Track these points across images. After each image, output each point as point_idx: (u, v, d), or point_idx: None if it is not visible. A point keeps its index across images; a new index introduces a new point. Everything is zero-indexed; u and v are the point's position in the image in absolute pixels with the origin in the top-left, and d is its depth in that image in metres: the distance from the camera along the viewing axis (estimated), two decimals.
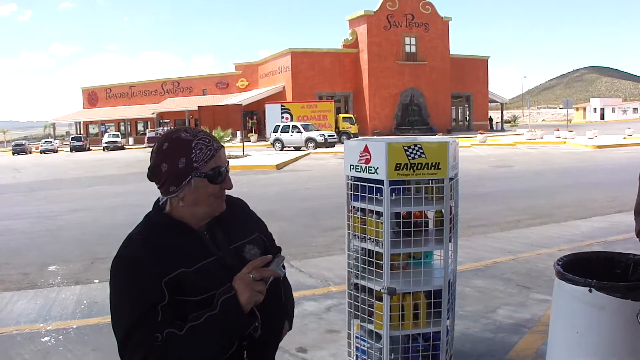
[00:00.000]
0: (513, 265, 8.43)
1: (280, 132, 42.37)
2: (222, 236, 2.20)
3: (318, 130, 43.82)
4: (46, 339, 6.30)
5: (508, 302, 6.85)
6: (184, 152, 2.06)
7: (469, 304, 6.76)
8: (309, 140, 41.57)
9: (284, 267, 2.20)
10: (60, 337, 6.32)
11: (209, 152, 2.08)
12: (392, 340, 4.50)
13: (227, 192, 2.22)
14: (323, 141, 41.14)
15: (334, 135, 42.97)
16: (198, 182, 2.07)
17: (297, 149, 41.04)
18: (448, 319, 4.71)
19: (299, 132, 42.23)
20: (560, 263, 3.66)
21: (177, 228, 2.11)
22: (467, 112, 68.23)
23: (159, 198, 2.21)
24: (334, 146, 41.21)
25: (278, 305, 2.30)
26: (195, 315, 1.91)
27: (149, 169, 2.14)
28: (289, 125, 43.51)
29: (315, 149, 40.24)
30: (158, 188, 2.16)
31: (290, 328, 2.46)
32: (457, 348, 5.33)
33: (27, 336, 6.39)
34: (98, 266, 9.61)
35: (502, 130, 69.12)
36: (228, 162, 2.20)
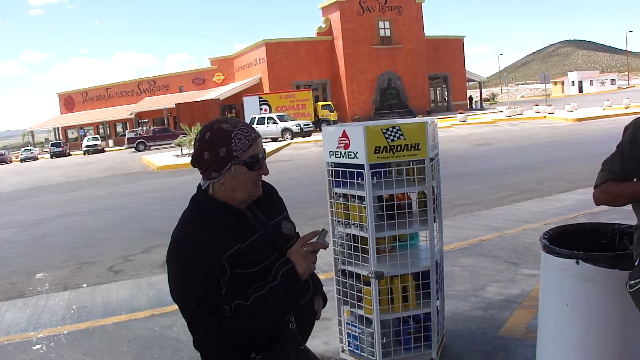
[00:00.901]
0: (499, 242, 8.46)
1: (257, 124, 42.16)
2: (261, 215, 2.41)
3: (294, 120, 43.71)
4: (37, 347, 6.25)
5: (497, 279, 6.87)
6: (225, 142, 2.24)
7: (458, 283, 6.78)
8: (285, 130, 41.47)
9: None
10: (52, 343, 6.28)
11: (247, 142, 2.26)
12: (383, 324, 4.50)
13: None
14: (299, 130, 41.09)
15: (309, 124, 42.83)
16: (237, 169, 2.26)
17: (274, 140, 40.94)
18: (438, 299, 4.72)
19: (275, 123, 42.12)
20: (546, 237, 3.67)
21: (224, 209, 2.29)
22: (446, 93, 68.35)
23: (200, 183, 2.38)
24: (310, 135, 41.19)
25: (315, 276, 2.57)
26: (257, 287, 2.14)
27: (192, 156, 2.34)
28: (264, 117, 43.37)
29: (292, 139, 40.16)
30: (201, 173, 2.33)
31: (325, 302, 2.72)
32: (448, 328, 5.35)
33: (18, 345, 6.34)
34: (85, 270, 9.56)
35: (482, 108, 69.30)
36: (264, 150, 2.37)
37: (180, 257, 2.18)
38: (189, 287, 2.13)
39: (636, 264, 2.99)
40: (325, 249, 2.29)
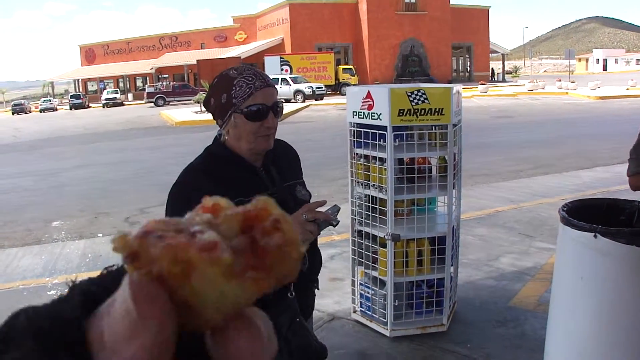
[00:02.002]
0: (515, 214, 8.45)
1: None
2: (276, 174, 2.32)
3: (307, 82, 43.32)
4: (53, 292, 6.35)
5: (511, 250, 6.87)
6: (226, 88, 2.18)
7: (472, 252, 6.79)
8: (297, 92, 40.99)
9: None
10: (66, 290, 6.35)
11: (247, 90, 2.16)
12: (396, 286, 4.53)
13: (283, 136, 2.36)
14: (311, 93, 40.47)
15: (322, 87, 42.19)
16: (237, 119, 2.18)
17: (287, 101, 40.70)
18: (452, 265, 4.73)
19: (288, 84, 41.69)
20: (565, 209, 3.65)
21: (236, 161, 2.23)
22: (468, 63, 67.60)
23: (217, 132, 2.32)
24: (322, 98, 40.54)
25: (318, 252, 2.54)
26: None
27: (203, 101, 2.32)
28: (278, 78, 43.03)
29: (304, 101, 39.82)
30: (214, 119, 2.29)
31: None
32: (460, 295, 5.37)
33: (33, 290, 6.44)
34: (101, 220, 9.65)
35: (504, 81, 68.57)
36: (276, 102, 2.25)
37: (172, 201, 2.16)
38: None
39: None
40: (334, 226, 2.22)
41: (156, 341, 0.34)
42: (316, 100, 39.88)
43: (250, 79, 2.18)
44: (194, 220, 0.41)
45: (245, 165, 2.24)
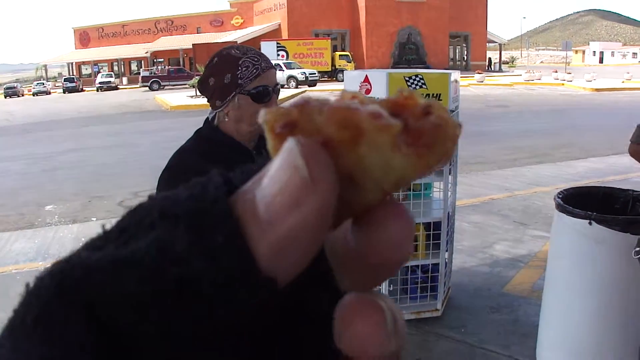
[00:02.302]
0: (510, 202, 8.47)
1: None
2: (267, 158, 2.22)
3: (301, 68, 43.20)
4: None
5: (505, 237, 6.89)
6: (231, 69, 2.12)
7: (466, 238, 6.80)
8: (290, 78, 40.87)
9: None
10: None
11: (255, 71, 2.12)
12: None
13: None
14: (304, 79, 40.38)
15: (315, 74, 41.98)
16: (242, 100, 2.13)
17: (282, 87, 40.60)
18: (447, 251, 4.74)
19: (281, 69, 41.58)
20: (560, 196, 3.66)
21: (228, 144, 2.18)
22: (465, 52, 67.56)
23: (208, 115, 2.27)
24: (315, 85, 40.44)
25: None
26: None
27: (198, 81, 2.23)
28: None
29: (297, 87, 39.68)
30: (207, 101, 2.22)
31: None
32: (454, 281, 5.38)
33: (26, 275, 6.40)
34: (95, 204, 9.63)
35: (500, 71, 68.65)
36: (277, 84, 2.23)
37: (169, 183, 2.10)
38: None
39: None
40: None
41: (325, 208, 0.30)
42: (309, 86, 39.76)
43: (256, 59, 2.15)
44: (345, 100, 0.36)
45: (239, 148, 2.20)
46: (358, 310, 0.33)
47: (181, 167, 2.12)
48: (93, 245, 0.31)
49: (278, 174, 0.31)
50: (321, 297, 0.35)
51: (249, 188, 0.32)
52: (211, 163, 1.73)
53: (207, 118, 2.27)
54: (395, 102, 0.36)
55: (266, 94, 2.15)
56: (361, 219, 0.33)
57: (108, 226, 0.32)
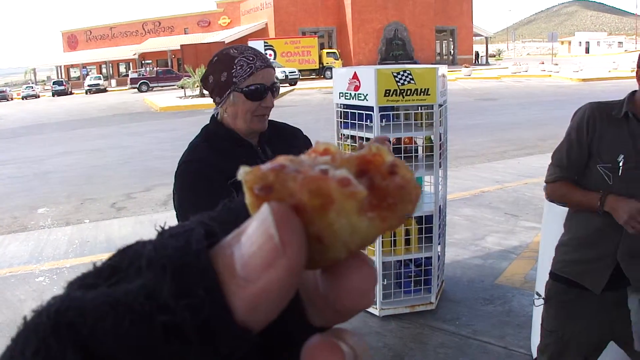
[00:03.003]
0: (500, 194, 8.52)
1: None
2: (271, 153, 2.37)
3: (282, 67, 43.22)
4: (40, 279, 6.34)
5: (496, 229, 6.94)
6: (227, 67, 2.22)
7: (458, 232, 6.85)
8: None
9: None
10: (54, 276, 6.36)
11: (248, 69, 2.21)
12: (385, 266, 4.57)
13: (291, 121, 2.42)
14: (284, 77, 40.49)
15: (295, 72, 41.95)
16: (236, 97, 2.23)
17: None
18: (439, 244, 4.77)
19: None
20: None
21: (233, 138, 2.28)
22: (452, 46, 67.62)
23: (213, 111, 2.36)
24: (295, 83, 40.51)
25: None
26: None
27: (201, 78, 2.34)
28: None
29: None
30: (210, 96, 2.35)
31: None
32: (447, 274, 5.43)
33: (21, 277, 6.43)
34: (88, 206, 9.62)
35: (487, 64, 68.75)
36: (275, 82, 2.31)
37: (188, 178, 2.20)
38: (196, 208, 2.07)
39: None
40: None
41: (294, 269, 0.35)
42: (290, 85, 39.77)
43: (251, 58, 2.23)
44: (317, 160, 0.41)
45: (242, 142, 2.30)
46: (319, 352, 0.37)
47: (197, 161, 2.21)
48: (86, 283, 0.35)
49: (254, 237, 0.35)
50: (294, 332, 0.40)
51: (229, 243, 0.37)
52: (221, 154, 1.80)
53: (213, 114, 2.37)
54: (364, 158, 0.42)
55: (260, 92, 2.23)
56: (329, 269, 0.39)
57: (99, 264, 0.37)
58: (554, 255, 3.07)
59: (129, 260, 0.36)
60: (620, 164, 2.71)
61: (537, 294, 3.22)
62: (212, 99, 2.33)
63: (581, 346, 2.97)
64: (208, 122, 2.40)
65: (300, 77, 44.15)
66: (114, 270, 0.36)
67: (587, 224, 2.88)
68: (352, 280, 0.38)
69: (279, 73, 40.41)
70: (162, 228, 0.40)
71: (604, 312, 2.87)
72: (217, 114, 2.33)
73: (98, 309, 0.32)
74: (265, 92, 2.26)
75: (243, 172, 0.39)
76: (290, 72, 41.25)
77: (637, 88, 2.77)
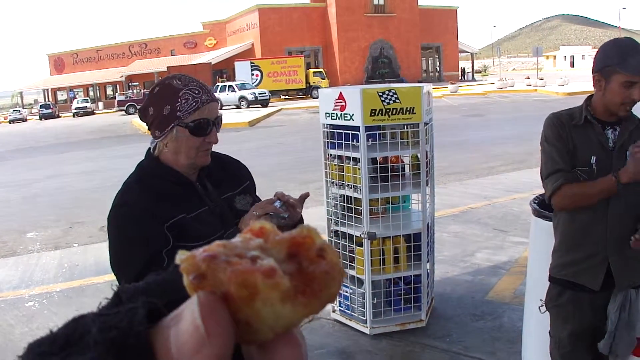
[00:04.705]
0: (489, 210, 8.56)
1: (219, 92, 41.89)
2: (212, 188, 2.24)
3: (253, 88, 43.37)
4: (30, 303, 6.31)
5: (485, 245, 6.97)
6: (170, 100, 2.06)
7: (447, 248, 6.87)
8: (241, 98, 41.24)
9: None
10: (44, 300, 6.34)
11: (194, 104, 2.07)
12: (374, 284, 4.59)
13: (233, 153, 2.32)
14: (254, 99, 40.77)
15: (265, 93, 42.09)
16: (180, 132, 2.08)
17: (238, 107, 40.81)
18: (428, 262, 4.79)
19: (234, 91, 41.79)
20: (536, 201, 3.74)
21: (171, 176, 2.15)
22: (438, 63, 68.00)
23: (150, 144, 2.22)
24: (267, 105, 40.90)
25: None
26: None
27: (139, 109, 2.18)
28: (225, 85, 43.07)
29: (248, 107, 39.97)
30: (148, 129, 2.17)
31: None
32: (437, 291, 5.44)
33: (10, 302, 6.40)
34: (77, 230, 9.60)
35: (473, 80, 69.17)
36: (219, 116, 2.18)
37: (120, 224, 2.06)
38: (128, 256, 2.03)
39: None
40: (285, 218, 2.06)
41: (219, 356, 0.40)
42: (262, 106, 40.03)
43: (196, 92, 2.09)
44: (249, 245, 0.46)
45: (181, 180, 2.17)
46: None
47: (131, 205, 2.09)
48: (41, 351, 0.41)
49: (185, 325, 0.41)
50: None
51: (168, 324, 0.42)
52: (157, 197, 1.80)
53: (149, 148, 2.23)
54: (295, 241, 0.47)
55: (205, 127, 2.11)
56: (262, 344, 0.45)
57: (55, 329, 0.43)
58: (550, 261, 3.14)
59: (79, 334, 0.41)
60: (594, 165, 2.85)
61: (541, 300, 3.28)
62: (150, 132, 2.17)
63: (577, 350, 3.07)
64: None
65: (288, 97, 44.35)
66: (67, 341, 0.41)
67: (570, 226, 3.00)
68: (281, 355, 0.44)
69: (248, 94, 40.74)
70: (116, 293, 0.47)
71: (594, 315, 2.98)
72: (154, 149, 2.20)
73: None
74: (211, 127, 2.14)
75: (179, 258, 0.45)
76: (260, 94, 41.66)
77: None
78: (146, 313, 0.42)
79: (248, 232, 0.48)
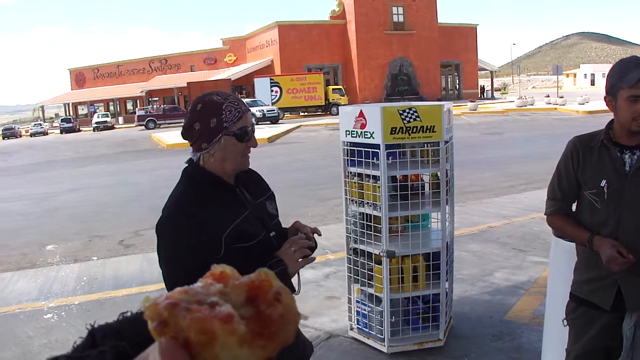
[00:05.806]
0: (508, 229, 8.51)
1: None
2: (247, 195, 2.45)
3: (265, 105, 43.65)
4: (49, 315, 6.35)
5: (504, 265, 6.93)
6: (216, 113, 2.28)
7: (466, 267, 6.84)
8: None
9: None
10: (63, 313, 6.38)
11: (237, 114, 2.30)
12: (392, 302, 4.57)
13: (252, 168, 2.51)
14: (262, 116, 40.97)
15: (273, 110, 42.65)
16: (227, 140, 2.29)
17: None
18: (447, 281, 4.77)
19: None
20: None
21: (216, 183, 2.34)
22: (457, 81, 67.92)
23: (191, 156, 2.40)
24: (277, 122, 41.26)
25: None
26: None
27: (183, 127, 2.38)
28: None
29: (257, 123, 40.18)
30: (191, 145, 2.37)
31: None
32: (456, 310, 5.41)
33: (30, 314, 6.45)
34: (96, 243, 9.66)
35: (493, 98, 68.98)
36: (254, 123, 2.42)
37: (174, 231, 2.23)
38: (180, 260, 2.20)
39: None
40: (314, 248, 2.40)
41: None
42: (272, 122, 40.38)
43: (236, 103, 2.32)
44: (210, 290, 0.49)
45: (226, 185, 2.37)
46: None
47: (182, 215, 2.26)
48: None
49: None
50: None
51: None
52: (204, 205, 2.04)
53: (192, 159, 2.40)
54: (253, 285, 0.51)
55: (247, 134, 2.33)
56: None
57: None
58: (572, 278, 3.20)
59: None
60: (605, 188, 2.90)
61: (563, 320, 3.29)
62: (194, 146, 2.35)
63: None
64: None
65: (307, 114, 44.48)
66: None
67: None
68: None
69: (257, 111, 41.10)
70: (90, 332, 0.49)
71: (606, 334, 3.01)
72: (198, 159, 2.38)
73: None
74: (252, 132, 2.37)
75: (143, 305, 0.48)
76: (268, 111, 42.12)
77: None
78: (114, 356, 0.45)
79: (209, 276, 0.52)
